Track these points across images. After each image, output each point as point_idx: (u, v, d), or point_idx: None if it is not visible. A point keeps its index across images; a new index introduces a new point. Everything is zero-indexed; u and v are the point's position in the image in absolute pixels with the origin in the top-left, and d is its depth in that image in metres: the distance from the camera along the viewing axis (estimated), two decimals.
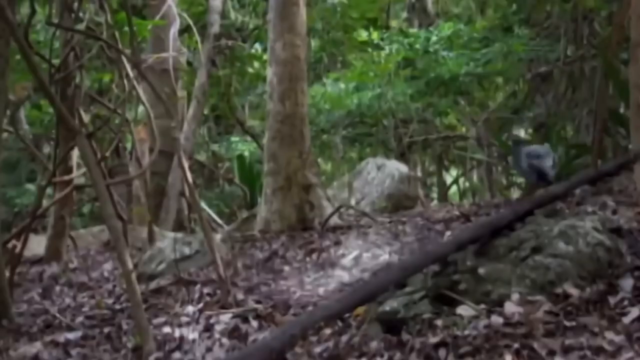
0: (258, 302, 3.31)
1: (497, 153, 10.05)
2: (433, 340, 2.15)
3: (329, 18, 10.26)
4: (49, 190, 5.01)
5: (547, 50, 7.73)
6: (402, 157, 8.92)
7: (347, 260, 3.93)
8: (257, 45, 10.43)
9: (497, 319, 2.18)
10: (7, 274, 3.70)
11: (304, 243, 4.61)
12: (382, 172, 6.52)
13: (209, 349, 2.80)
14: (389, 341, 2.29)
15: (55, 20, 4.63)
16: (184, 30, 8.81)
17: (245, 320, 3.04)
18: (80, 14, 4.63)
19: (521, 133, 9.46)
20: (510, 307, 2.24)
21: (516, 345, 1.97)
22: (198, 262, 4.25)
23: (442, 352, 2.07)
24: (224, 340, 2.86)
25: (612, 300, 2.20)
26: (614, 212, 3.12)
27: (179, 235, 5.46)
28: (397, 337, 2.30)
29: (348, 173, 7.66)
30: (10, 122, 5.03)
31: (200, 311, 3.25)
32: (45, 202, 4.76)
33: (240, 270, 4.03)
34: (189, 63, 9.53)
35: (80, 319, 3.52)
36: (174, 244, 4.14)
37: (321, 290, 3.46)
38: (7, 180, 9.30)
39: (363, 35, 9.65)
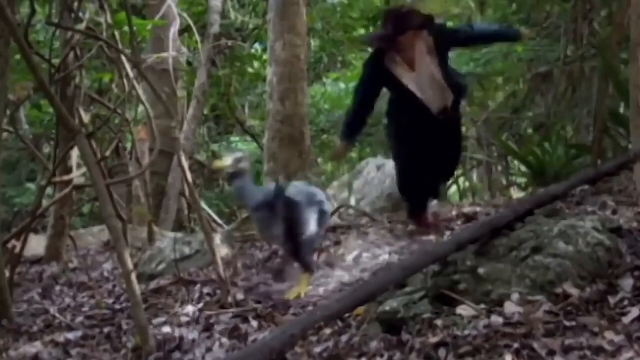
0: (258, 302, 3.31)
1: (497, 153, 10.06)
2: (433, 340, 2.15)
3: (329, 18, 10.27)
4: (49, 190, 5.01)
5: (547, 50, 7.73)
6: None
7: (347, 260, 3.93)
8: (257, 45, 10.44)
9: (497, 319, 2.18)
10: (7, 274, 3.69)
11: None
12: (382, 172, 6.52)
13: (209, 349, 2.80)
14: (389, 341, 2.29)
15: (55, 20, 4.63)
16: (184, 30, 8.81)
17: (245, 320, 3.04)
18: (80, 14, 4.63)
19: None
20: (510, 307, 2.24)
21: (516, 345, 1.97)
22: (198, 262, 4.25)
23: (442, 352, 2.07)
24: (224, 340, 2.86)
25: (612, 300, 2.20)
26: (614, 212, 3.12)
27: (179, 235, 5.46)
28: (397, 337, 2.30)
29: (348, 173, 7.66)
30: (10, 122, 5.02)
31: (200, 311, 3.25)
32: (45, 202, 4.76)
33: (240, 270, 4.03)
34: (189, 63, 9.53)
35: (80, 319, 3.52)
36: (174, 244, 4.14)
37: (321, 290, 3.45)
38: (7, 180, 9.30)
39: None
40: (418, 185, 4.22)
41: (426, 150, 4.10)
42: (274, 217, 2.86)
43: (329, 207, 2.80)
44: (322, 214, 2.89)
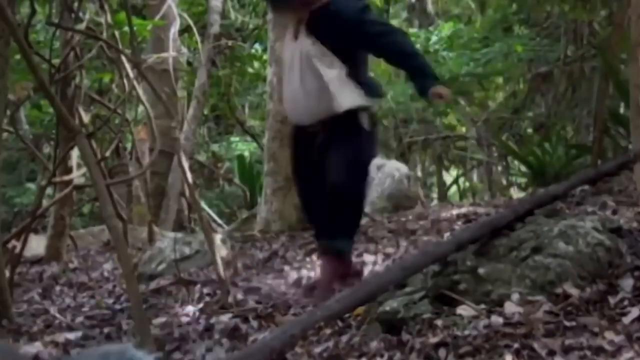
0: (258, 302, 3.31)
1: (497, 153, 10.07)
2: (433, 340, 2.15)
3: None
4: (49, 190, 5.01)
5: (547, 50, 7.75)
6: (402, 157, 8.94)
7: None
8: (257, 45, 10.43)
9: (497, 319, 2.18)
10: (7, 274, 3.69)
11: (304, 243, 4.60)
12: (382, 172, 6.52)
13: (209, 349, 2.79)
14: (389, 341, 2.28)
15: (55, 20, 4.64)
16: (184, 30, 8.81)
17: (245, 320, 3.04)
18: (80, 14, 4.63)
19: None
20: (510, 307, 2.24)
21: (516, 345, 1.97)
22: (198, 262, 4.25)
23: (442, 352, 2.07)
24: (224, 340, 2.86)
25: (612, 300, 2.20)
26: (614, 212, 3.12)
27: (179, 235, 5.46)
28: (397, 337, 2.30)
29: None
30: (10, 122, 5.02)
31: (200, 311, 3.25)
32: (45, 202, 4.76)
33: (240, 270, 4.03)
34: (189, 63, 9.53)
35: (80, 319, 3.51)
36: (174, 244, 4.13)
37: None
38: (7, 180, 9.30)
39: None
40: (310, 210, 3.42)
41: (304, 165, 3.30)
42: None
43: None
44: None
